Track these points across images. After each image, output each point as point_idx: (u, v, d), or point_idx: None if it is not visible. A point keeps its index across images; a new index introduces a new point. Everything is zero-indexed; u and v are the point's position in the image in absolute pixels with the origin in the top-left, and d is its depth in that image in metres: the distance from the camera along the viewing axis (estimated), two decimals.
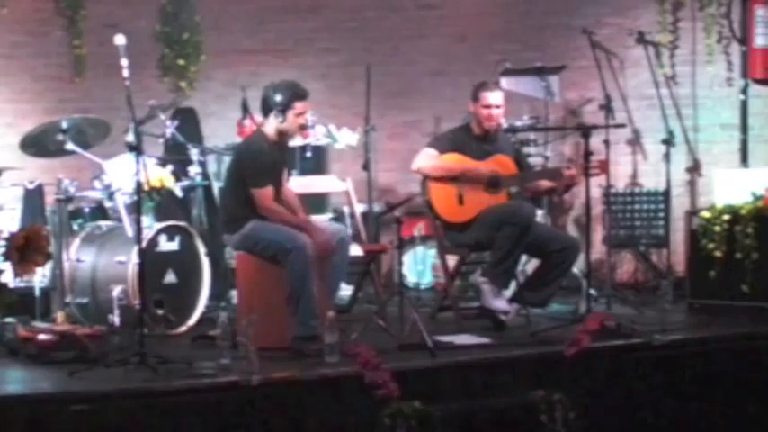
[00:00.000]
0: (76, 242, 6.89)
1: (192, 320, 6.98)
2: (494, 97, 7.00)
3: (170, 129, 7.68)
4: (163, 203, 7.28)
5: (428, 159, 6.97)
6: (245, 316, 5.91)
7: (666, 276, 8.18)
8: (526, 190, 7.13)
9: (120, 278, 6.64)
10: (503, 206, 6.86)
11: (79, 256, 6.85)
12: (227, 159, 7.56)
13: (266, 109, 6.40)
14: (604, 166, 7.08)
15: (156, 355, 5.63)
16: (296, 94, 6.36)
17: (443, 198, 6.95)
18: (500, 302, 6.82)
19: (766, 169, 8.27)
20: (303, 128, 6.69)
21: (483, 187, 6.94)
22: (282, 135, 6.42)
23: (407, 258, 8.48)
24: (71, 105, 8.14)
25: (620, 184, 8.91)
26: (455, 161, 6.96)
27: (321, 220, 7.43)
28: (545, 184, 7.12)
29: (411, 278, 8.55)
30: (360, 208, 7.88)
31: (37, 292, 6.84)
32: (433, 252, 8.28)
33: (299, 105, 6.35)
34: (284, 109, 6.32)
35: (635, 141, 9.09)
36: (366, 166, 7.93)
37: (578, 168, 7.14)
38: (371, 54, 8.68)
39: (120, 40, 5.87)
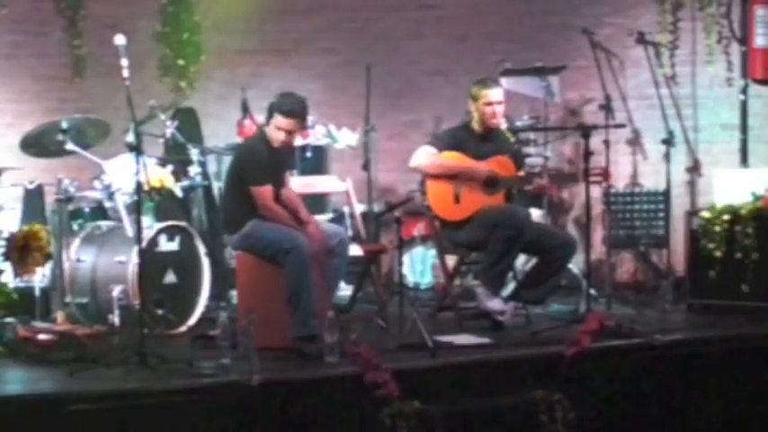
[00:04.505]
0: (76, 242, 6.89)
1: (192, 320, 6.98)
2: (495, 94, 6.99)
3: (170, 129, 7.68)
4: (163, 203, 7.29)
5: (426, 157, 6.97)
6: (245, 316, 5.91)
7: (666, 276, 8.18)
8: (524, 192, 7.15)
9: (120, 278, 6.63)
10: (498, 209, 6.86)
11: (79, 256, 6.84)
12: (227, 159, 7.56)
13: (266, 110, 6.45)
14: (606, 175, 7.08)
15: (156, 355, 5.64)
16: (279, 106, 6.32)
17: (440, 196, 6.95)
18: (495, 303, 6.82)
19: (766, 169, 8.27)
20: (285, 143, 6.43)
21: (480, 187, 6.94)
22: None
23: (407, 258, 8.48)
24: (71, 105, 8.14)
25: (620, 184, 8.90)
26: (454, 159, 6.96)
27: (321, 220, 7.43)
28: (524, 188, 7.12)
29: (411, 278, 8.55)
30: (360, 208, 7.88)
31: (37, 292, 6.84)
32: (432, 252, 8.27)
33: (279, 118, 6.31)
34: (269, 115, 6.34)
35: (635, 141, 9.09)
36: (366, 166, 7.93)
37: (578, 174, 7.14)
38: (371, 54, 8.67)
39: (120, 40, 5.87)
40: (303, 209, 6.54)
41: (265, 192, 6.31)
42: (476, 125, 7.06)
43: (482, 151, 7.01)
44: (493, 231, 6.70)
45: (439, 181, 6.95)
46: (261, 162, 6.33)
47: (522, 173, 7.18)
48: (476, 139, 7.05)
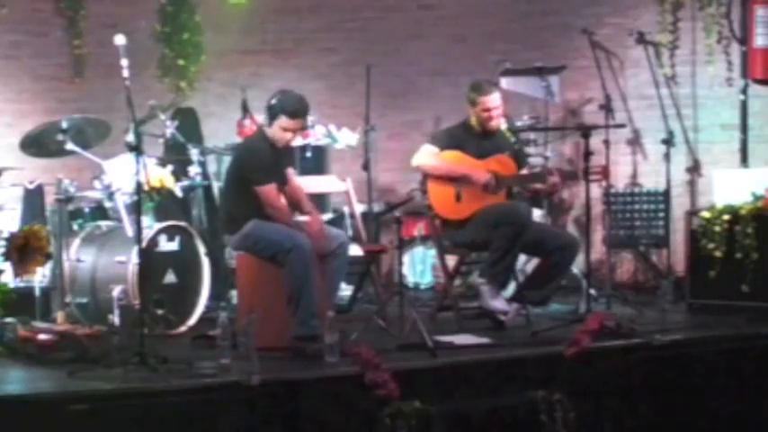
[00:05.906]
0: (76, 242, 6.89)
1: (192, 320, 6.98)
2: (492, 100, 6.98)
3: (170, 129, 7.68)
4: (163, 203, 7.29)
5: (429, 157, 6.97)
6: (245, 316, 5.91)
7: (666, 276, 8.19)
8: (526, 190, 7.15)
9: (120, 278, 6.64)
10: (499, 206, 6.86)
11: (79, 256, 6.85)
12: (227, 159, 7.56)
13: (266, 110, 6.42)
14: (606, 173, 7.08)
15: (156, 355, 5.63)
16: (284, 108, 6.31)
17: (441, 195, 6.95)
18: (499, 303, 6.82)
19: (766, 169, 8.26)
20: (288, 143, 6.47)
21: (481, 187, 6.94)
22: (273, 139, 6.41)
23: (407, 258, 8.48)
24: (71, 105, 8.14)
25: (620, 184, 8.91)
26: (456, 160, 6.95)
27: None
28: (536, 186, 7.12)
29: (411, 278, 8.55)
30: (360, 208, 7.88)
31: (37, 292, 6.83)
32: (432, 252, 8.28)
33: (284, 119, 6.30)
34: (272, 117, 6.33)
35: (635, 141, 9.09)
36: (366, 166, 7.93)
37: (579, 172, 7.14)
38: (371, 54, 8.68)
39: (120, 40, 5.86)
40: (307, 202, 6.55)
41: (270, 191, 6.30)
42: (475, 124, 7.07)
43: (483, 149, 7.01)
44: (495, 229, 6.70)
45: (440, 180, 6.95)
46: (264, 161, 6.32)
47: (527, 171, 7.17)
48: (476, 138, 7.05)
